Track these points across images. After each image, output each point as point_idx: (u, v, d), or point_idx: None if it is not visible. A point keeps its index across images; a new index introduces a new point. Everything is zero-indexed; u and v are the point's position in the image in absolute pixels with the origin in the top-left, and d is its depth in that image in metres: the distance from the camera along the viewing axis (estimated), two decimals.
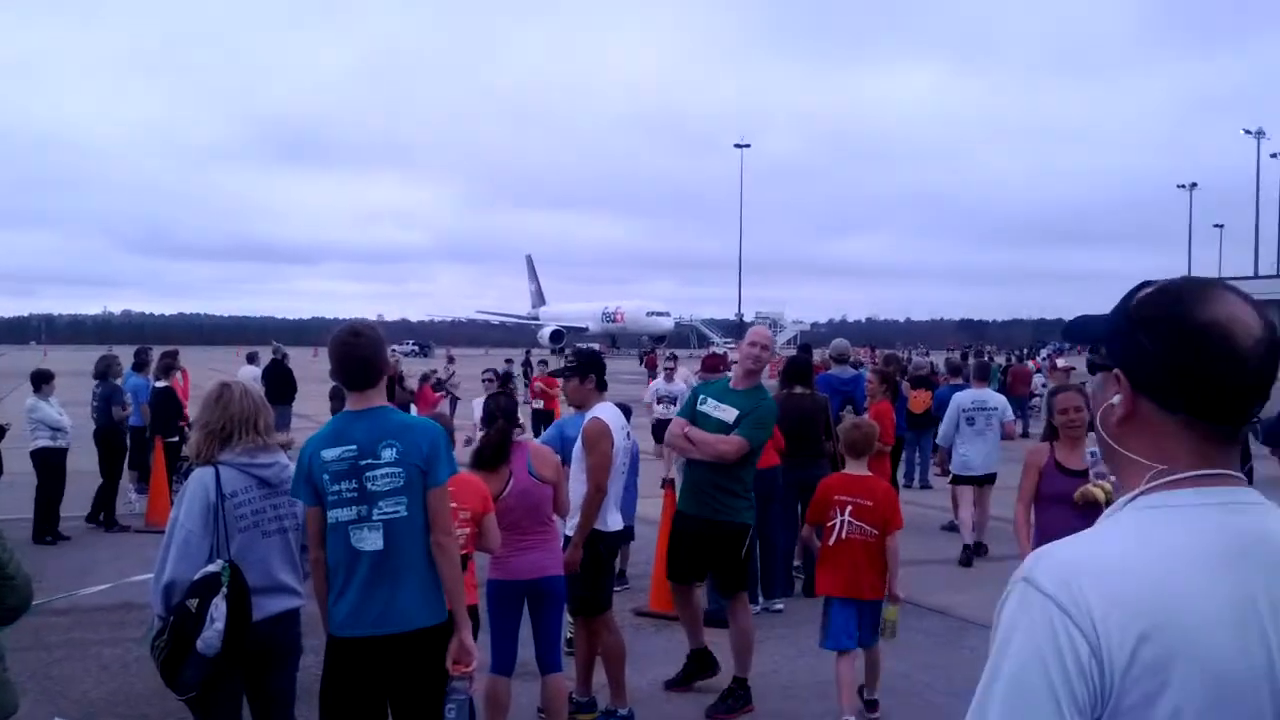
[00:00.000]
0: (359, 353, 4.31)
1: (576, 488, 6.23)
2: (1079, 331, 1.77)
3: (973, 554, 10.92)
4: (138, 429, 13.77)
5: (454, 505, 5.04)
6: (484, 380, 14.12)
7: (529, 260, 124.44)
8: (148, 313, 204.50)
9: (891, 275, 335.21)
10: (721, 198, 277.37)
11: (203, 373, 20.59)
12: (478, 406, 12.88)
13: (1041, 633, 1.43)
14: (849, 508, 6.31)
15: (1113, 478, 1.72)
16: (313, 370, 24.67)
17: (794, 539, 9.40)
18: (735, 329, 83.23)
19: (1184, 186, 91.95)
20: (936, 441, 12.37)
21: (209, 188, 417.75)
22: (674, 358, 21.48)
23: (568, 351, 8.10)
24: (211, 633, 4.17)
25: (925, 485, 16.25)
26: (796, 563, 9.69)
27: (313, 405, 20.86)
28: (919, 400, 15.39)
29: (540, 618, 5.87)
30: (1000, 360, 34.99)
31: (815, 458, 9.18)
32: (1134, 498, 1.57)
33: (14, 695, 3.73)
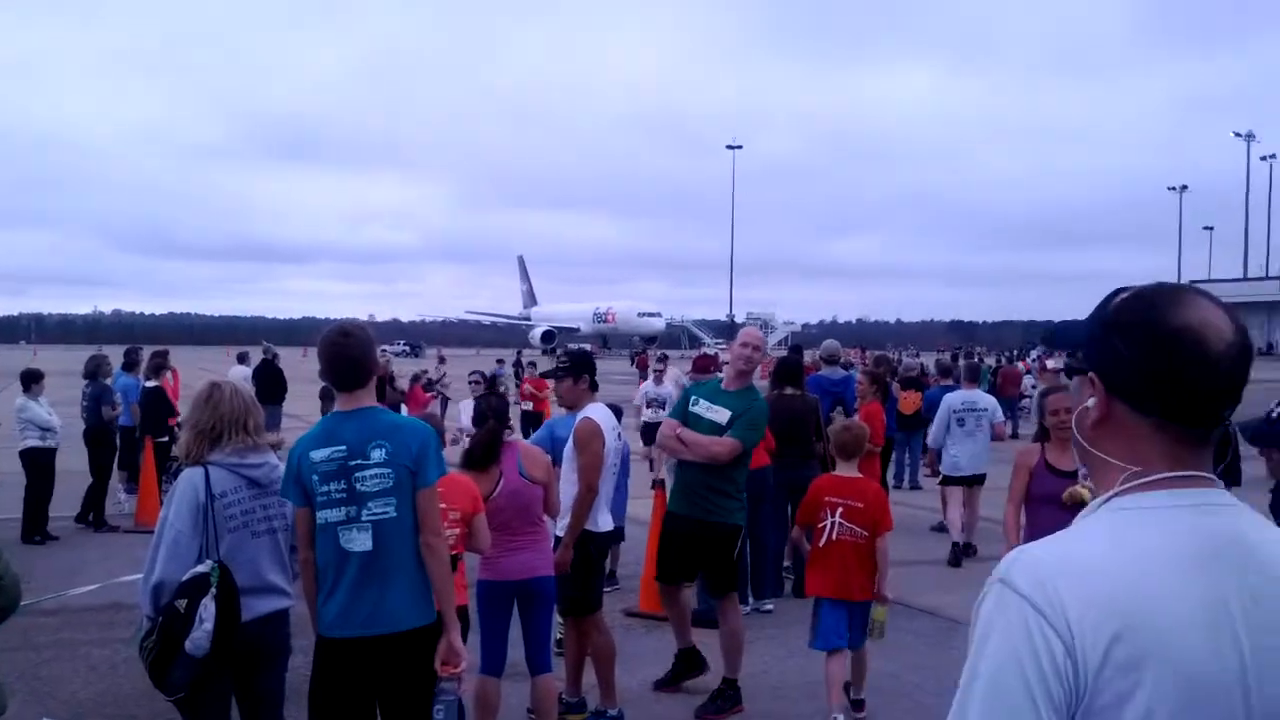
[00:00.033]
0: (348, 353, 4.30)
1: (568, 488, 6.23)
2: (1060, 336, 1.80)
3: (961, 554, 10.95)
4: (127, 429, 13.74)
5: (444, 505, 5.04)
6: (470, 382, 14.09)
7: (520, 260, 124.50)
8: (138, 312, 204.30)
9: (882, 276, 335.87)
10: (713, 199, 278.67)
11: (193, 372, 20.52)
12: (465, 409, 12.86)
13: (1018, 633, 1.45)
14: (839, 509, 6.33)
15: None
16: (303, 370, 24.59)
17: (784, 540, 9.42)
18: (726, 330, 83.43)
19: (1174, 188, 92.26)
20: (927, 443, 12.39)
21: (200, 187, 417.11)
22: (665, 358, 21.48)
23: (559, 352, 8.10)
24: (200, 633, 4.17)
25: (915, 486, 16.27)
26: (786, 563, 9.70)
27: (303, 405, 20.83)
28: (909, 401, 15.42)
29: (530, 618, 5.86)
30: (990, 362, 35.05)
31: (806, 458, 9.18)
32: (1109, 499, 1.60)
33: (3, 696, 3.72)
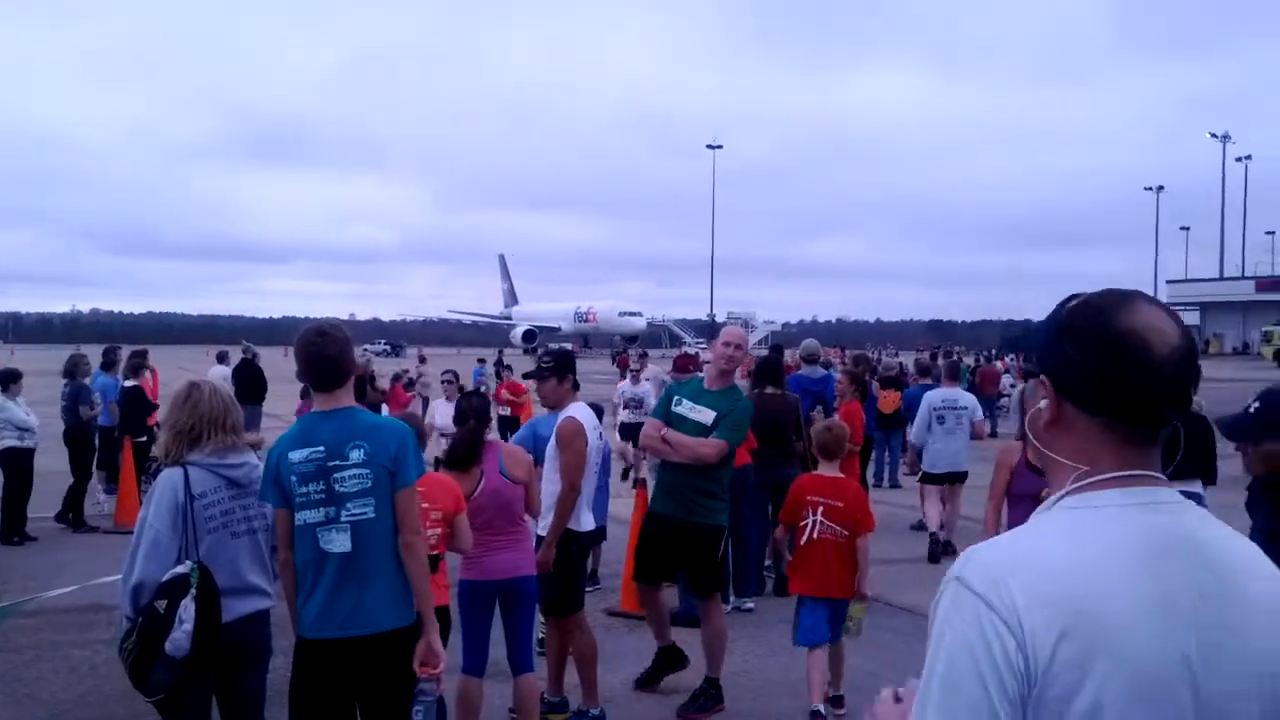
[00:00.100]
0: (325, 352, 4.28)
1: (550, 487, 6.23)
2: (1017, 341, 1.85)
3: (940, 550, 10.99)
4: (106, 429, 13.67)
5: (426, 505, 5.04)
6: (444, 381, 14.03)
7: (501, 260, 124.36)
8: (117, 311, 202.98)
9: (862, 276, 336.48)
10: (694, 199, 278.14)
11: (172, 372, 20.41)
12: (438, 409, 12.80)
13: (971, 629, 1.52)
14: (820, 508, 6.38)
15: None
16: (283, 369, 24.47)
17: (765, 539, 9.45)
18: (707, 329, 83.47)
19: (1151, 189, 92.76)
20: (910, 440, 12.45)
21: (179, 186, 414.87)
22: (644, 355, 21.47)
23: (540, 352, 8.11)
24: (180, 634, 4.15)
25: (895, 485, 16.34)
26: (767, 562, 9.73)
27: (283, 405, 20.74)
28: (888, 400, 15.47)
29: (512, 618, 5.87)
30: (969, 361, 35.18)
31: (786, 458, 9.20)
32: (1060, 498, 1.66)
33: None
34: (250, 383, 18.45)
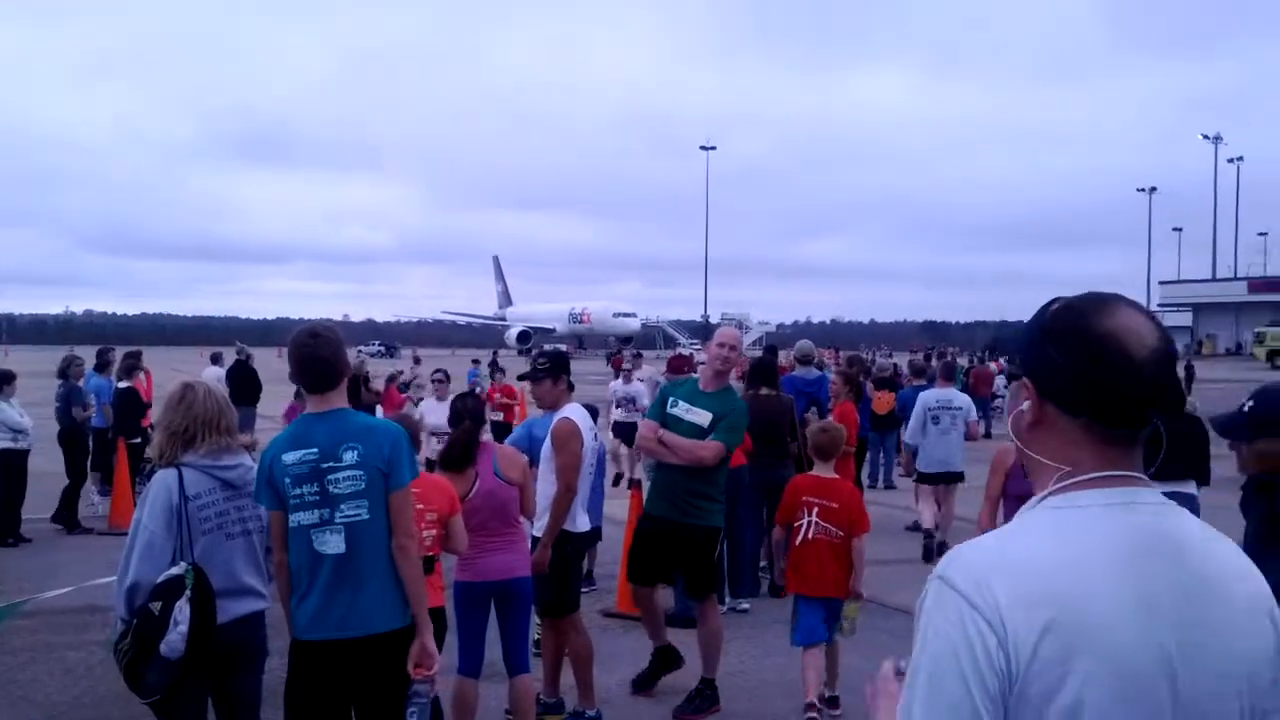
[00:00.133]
0: (318, 354, 4.28)
1: (545, 488, 6.23)
2: (1001, 343, 1.88)
3: (934, 546, 11.00)
4: (100, 430, 13.65)
5: (421, 506, 5.05)
6: (434, 380, 14.01)
7: (496, 261, 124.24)
8: (111, 312, 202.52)
9: (856, 277, 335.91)
10: (688, 200, 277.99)
11: (166, 373, 20.38)
12: (428, 408, 12.77)
13: (954, 627, 1.54)
14: (816, 509, 6.41)
15: None
16: (277, 371, 24.42)
17: (760, 540, 9.46)
18: (702, 330, 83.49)
19: (1144, 190, 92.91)
20: (905, 439, 12.49)
21: (174, 187, 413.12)
22: (639, 355, 21.47)
23: (534, 353, 8.09)
24: (175, 635, 4.15)
25: (890, 486, 16.36)
26: (762, 563, 9.73)
27: (277, 406, 20.64)
28: (883, 401, 15.51)
29: (508, 619, 5.87)
30: (963, 362, 35.23)
31: (781, 459, 9.21)
32: (1043, 498, 1.68)
33: None
34: (244, 384, 18.44)
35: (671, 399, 6.86)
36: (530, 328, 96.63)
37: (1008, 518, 6.30)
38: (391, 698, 4.32)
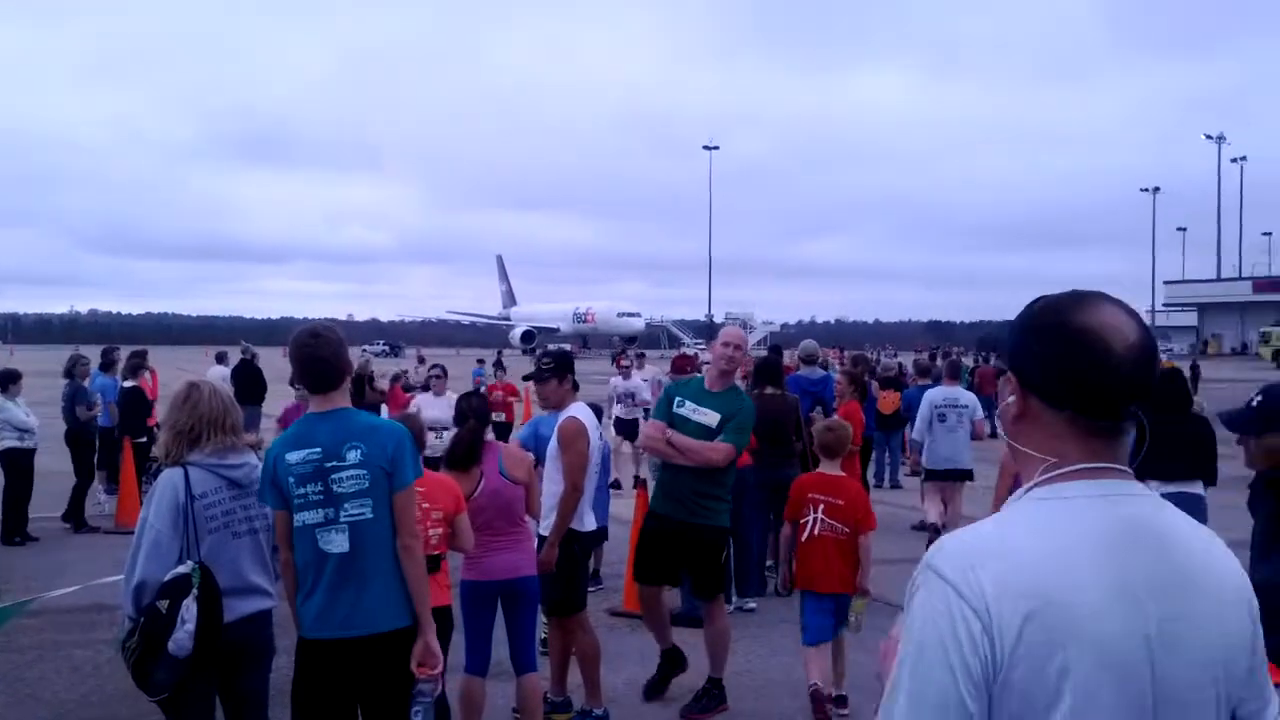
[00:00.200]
0: (320, 354, 4.28)
1: (552, 487, 6.22)
2: (993, 340, 1.90)
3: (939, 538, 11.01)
4: (106, 429, 13.67)
5: (427, 505, 5.07)
6: (433, 376, 14.00)
7: (499, 261, 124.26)
8: (115, 312, 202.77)
9: (860, 277, 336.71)
10: (692, 199, 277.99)
11: (171, 373, 20.40)
12: (425, 403, 12.75)
13: (941, 615, 1.59)
14: (821, 506, 6.42)
15: None
16: (282, 370, 24.42)
17: (765, 539, 9.45)
18: (706, 330, 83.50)
19: (1147, 190, 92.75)
20: (912, 437, 12.48)
21: (178, 186, 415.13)
22: (641, 356, 21.48)
23: (539, 353, 8.06)
24: (182, 634, 4.15)
25: (895, 485, 16.36)
26: (769, 562, 9.73)
27: (288, 402, 20.71)
28: (888, 401, 15.48)
29: (514, 618, 5.87)
30: (968, 361, 35.20)
31: (786, 458, 9.20)
32: (1029, 489, 1.73)
33: None
34: (249, 383, 18.43)
35: (678, 399, 6.81)
36: (534, 327, 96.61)
37: None
38: (396, 696, 4.32)
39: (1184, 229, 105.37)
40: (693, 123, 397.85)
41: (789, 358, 15.49)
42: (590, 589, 7.54)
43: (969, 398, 12.18)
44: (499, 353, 32.82)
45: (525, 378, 7.04)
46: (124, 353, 15.01)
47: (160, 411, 10.87)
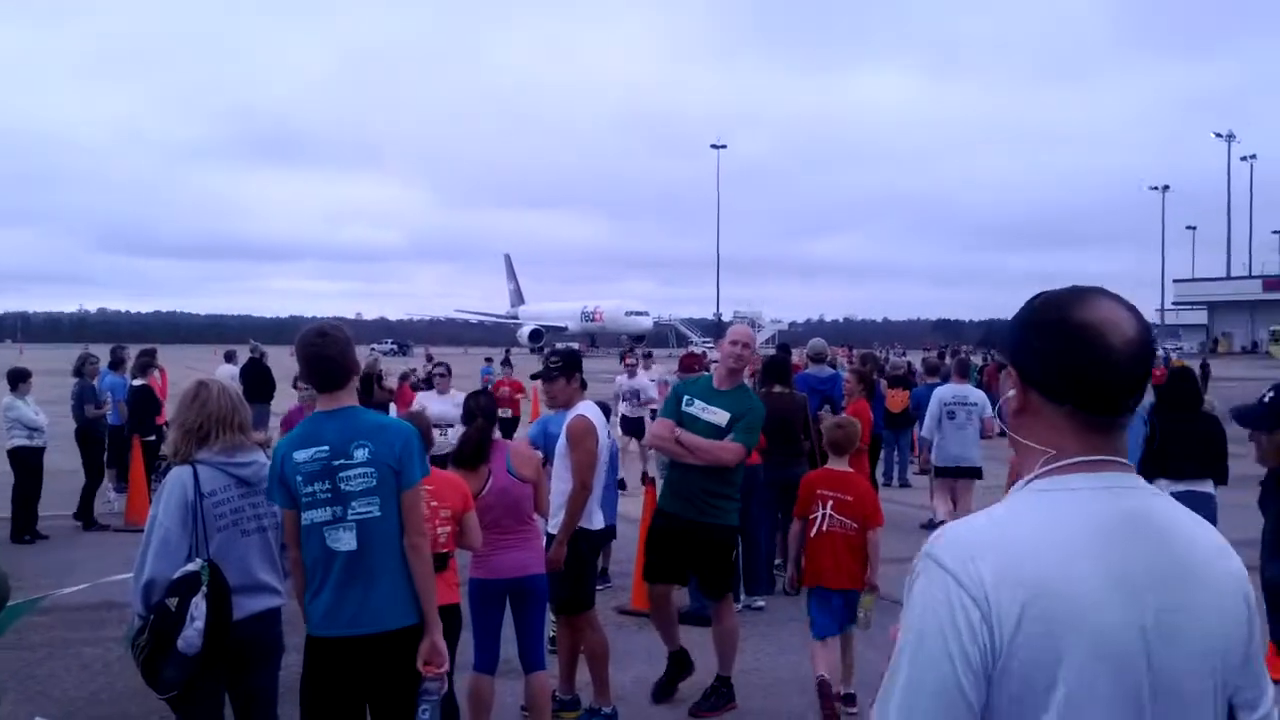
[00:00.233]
0: (326, 353, 4.28)
1: (560, 485, 6.22)
2: (992, 336, 1.91)
3: None
4: (115, 427, 13.70)
5: (435, 504, 5.07)
6: (437, 374, 14.00)
7: (507, 259, 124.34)
8: (124, 311, 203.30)
9: (869, 275, 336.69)
10: (700, 198, 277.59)
11: (180, 371, 20.47)
12: (427, 400, 12.76)
13: (940, 603, 1.61)
14: (830, 502, 6.43)
15: None
16: (291, 369, 24.45)
17: (774, 537, 9.44)
18: (714, 328, 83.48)
19: (1156, 189, 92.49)
20: (921, 434, 12.48)
21: (186, 186, 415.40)
22: (649, 356, 21.45)
23: (547, 351, 8.04)
24: (192, 631, 4.16)
25: (904, 484, 16.33)
26: (777, 561, 9.72)
27: (291, 404, 20.74)
28: (896, 399, 15.47)
29: (523, 616, 5.88)
30: (977, 360, 35.15)
31: (794, 457, 9.19)
32: (1029, 481, 1.75)
33: None
34: (258, 381, 18.46)
35: (686, 397, 6.78)
36: (542, 326, 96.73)
37: None
38: (404, 694, 4.32)
39: (1194, 228, 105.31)
40: (694, 122, 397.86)
41: (797, 356, 15.47)
42: (599, 587, 7.54)
43: (978, 395, 12.18)
44: (507, 351, 32.79)
45: (533, 376, 7.04)
46: (133, 351, 15.05)
47: (169, 410, 10.90)
